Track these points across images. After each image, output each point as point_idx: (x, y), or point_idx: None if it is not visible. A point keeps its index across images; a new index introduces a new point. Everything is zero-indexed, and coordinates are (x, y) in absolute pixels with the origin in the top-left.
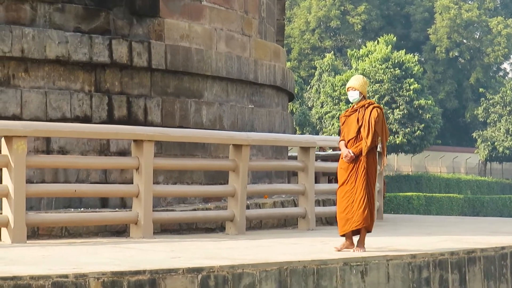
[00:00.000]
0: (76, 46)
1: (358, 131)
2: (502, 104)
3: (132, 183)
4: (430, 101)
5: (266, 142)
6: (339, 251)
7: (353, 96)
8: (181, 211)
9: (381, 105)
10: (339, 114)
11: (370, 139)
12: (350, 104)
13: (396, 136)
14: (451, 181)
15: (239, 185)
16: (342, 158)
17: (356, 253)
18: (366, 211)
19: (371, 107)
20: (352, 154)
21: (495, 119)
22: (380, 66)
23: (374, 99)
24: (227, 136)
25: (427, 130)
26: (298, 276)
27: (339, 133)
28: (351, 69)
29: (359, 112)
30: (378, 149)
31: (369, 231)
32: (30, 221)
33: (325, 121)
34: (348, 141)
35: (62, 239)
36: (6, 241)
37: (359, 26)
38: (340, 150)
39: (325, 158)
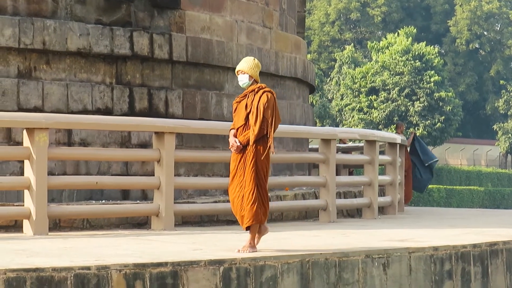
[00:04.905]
0: (97, 38)
1: (247, 118)
2: None
3: (153, 175)
4: (451, 93)
5: (287, 134)
6: (244, 251)
7: (242, 80)
8: (202, 203)
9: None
10: (359, 107)
11: (258, 127)
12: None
13: (416, 129)
14: (471, 174)
15: None
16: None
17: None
18: (255, 207)
19: (261, 91)
20: (239, 144)
21: None
22: (400, 58)
23: (394, 91)
24: None
25: (447, 122)
26: (320, 269)
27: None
28: (371, 61)
29: (248, 97)
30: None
31: (261, 225)
32: (52, 213)
33: (345, 113)
34: (237, 129)
35: (84, 231)
36: (28, 233)
37: (379, 18)
38: None
39: (346, 150)
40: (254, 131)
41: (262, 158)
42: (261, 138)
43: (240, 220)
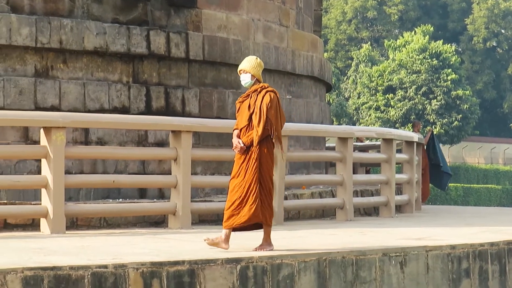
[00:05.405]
0: (114, 37)
1: (250, 119)
2: None
3: (170, 174)
4: (468, 91)
5: (304, 133)
6: (209, 244)
7: (245, 79)
8: (219, 202)
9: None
10: (376, 105)
11: (261, 127)
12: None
13: (433, 127)
14: (489, 172)
15: (277, 175)
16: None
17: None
18: (254, 207)
19: (263, 91)
20: (243, 145)
21: None
22: (417, 56)
23: (411, 90)
24: None
25: (464, 120)
26: (337, 267)
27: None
28: (388, 59)
29: (251, 97)
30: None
31: (268, 225)
32: (69, 212)
33: (362, 112)
34: (241, 130)
35: (101, 230)
36: (46, 232)
37: (396, 17)
38: None
39: (362, 149)
40: (257, 132)
41: (266, 159)
42: (265, 139)
43: (226, 217)
